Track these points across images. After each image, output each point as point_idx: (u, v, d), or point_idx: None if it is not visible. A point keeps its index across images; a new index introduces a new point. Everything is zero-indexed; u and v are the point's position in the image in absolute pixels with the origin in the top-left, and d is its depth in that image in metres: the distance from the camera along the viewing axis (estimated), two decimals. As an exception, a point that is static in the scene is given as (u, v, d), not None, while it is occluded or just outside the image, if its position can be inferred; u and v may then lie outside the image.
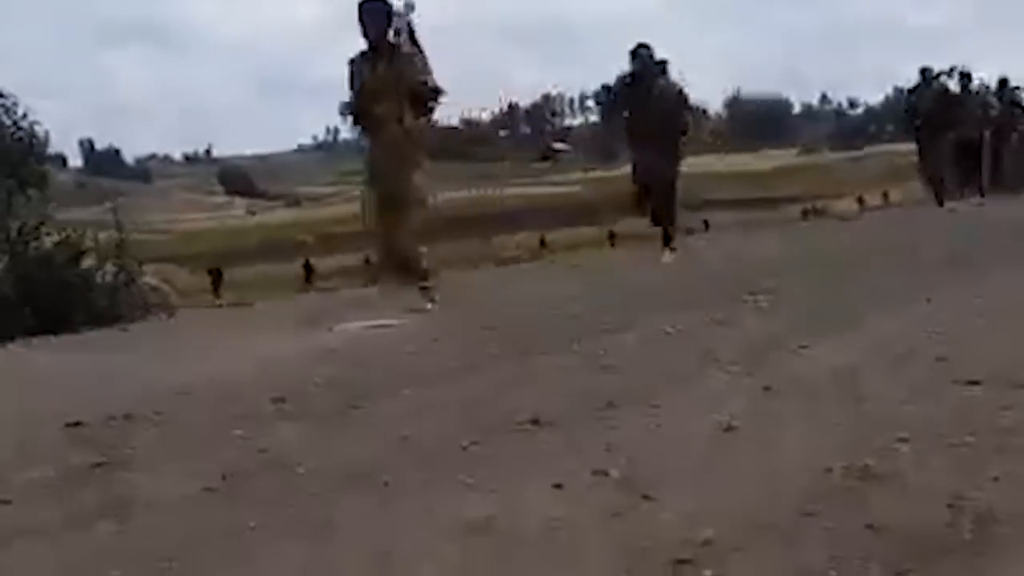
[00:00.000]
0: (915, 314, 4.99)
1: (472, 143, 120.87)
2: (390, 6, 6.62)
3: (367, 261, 13.95)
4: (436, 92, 6.73)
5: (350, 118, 7.15)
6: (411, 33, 6.64)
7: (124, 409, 3.92)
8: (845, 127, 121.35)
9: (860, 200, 28.53)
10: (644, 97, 9.67)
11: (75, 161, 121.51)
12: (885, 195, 29.85)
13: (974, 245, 8.16)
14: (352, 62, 6.75)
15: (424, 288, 6.53)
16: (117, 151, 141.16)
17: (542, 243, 30.45)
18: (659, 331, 4.90)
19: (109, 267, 17.94)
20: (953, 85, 14.42)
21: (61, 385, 4.79)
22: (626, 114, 10.35)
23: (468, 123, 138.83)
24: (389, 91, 6.56)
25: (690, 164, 10.41)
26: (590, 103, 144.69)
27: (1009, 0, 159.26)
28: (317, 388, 4.18)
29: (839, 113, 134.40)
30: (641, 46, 9.70)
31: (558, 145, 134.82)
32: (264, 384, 4.24)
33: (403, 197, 6.58)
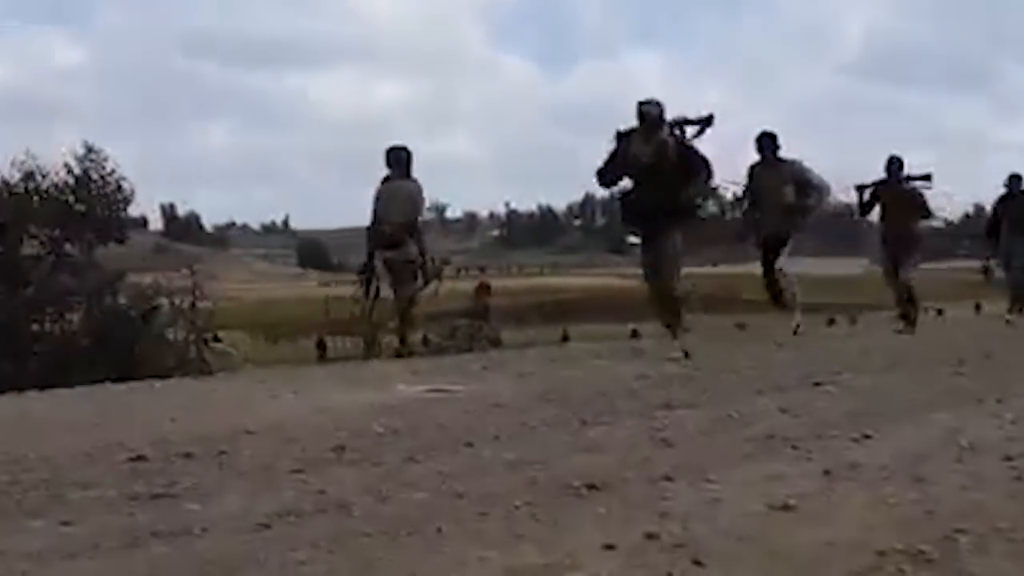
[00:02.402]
0: (985, 412, 4.90)
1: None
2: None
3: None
4: None
5: None
6: None
7: (188, 446, 4.01)
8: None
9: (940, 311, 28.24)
10: None
11: (156, 225, 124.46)
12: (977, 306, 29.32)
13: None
14: None
15: None
16: (197, 217, 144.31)
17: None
18: (722, 412, 4.88)
19: (180, 328, 18.31)
20: None
21: (127, 422, 4.88)
22: None
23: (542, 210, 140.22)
24: None
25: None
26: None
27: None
28: (377, 440, 4.23)
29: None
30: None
31: (632, 238, 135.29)
32: (325, 432, 4.31)
33: None
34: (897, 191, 11.53)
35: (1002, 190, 13.64)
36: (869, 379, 6.21)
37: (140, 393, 6.34)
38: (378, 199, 9.90)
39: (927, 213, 11.77)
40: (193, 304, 18.58)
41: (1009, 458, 3.70)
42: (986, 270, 13.88)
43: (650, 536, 2.76)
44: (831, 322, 28.19)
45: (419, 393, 5.81)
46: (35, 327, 14.51)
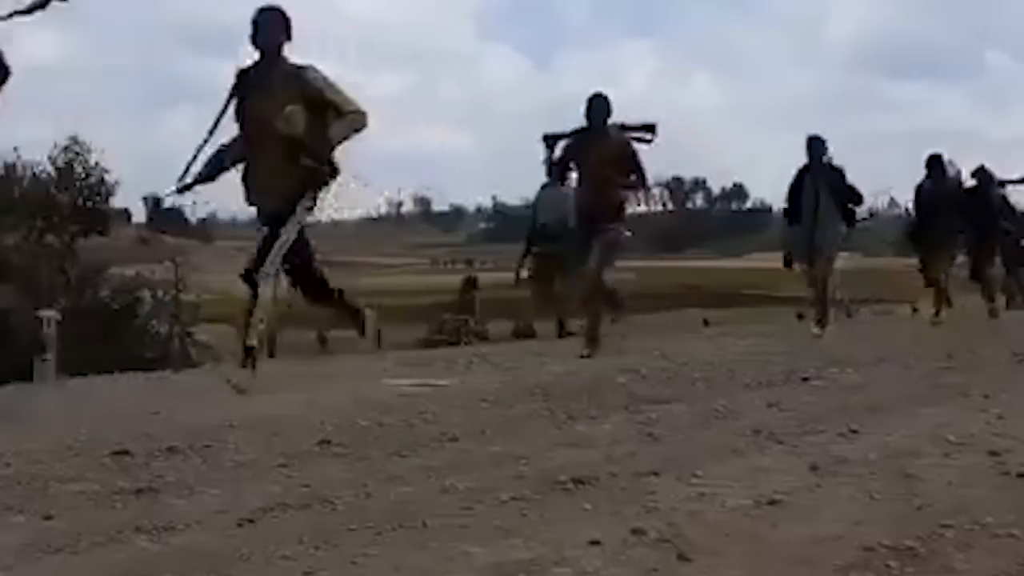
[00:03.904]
0: (971, 407, 4.90)
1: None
2: None
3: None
4: None
5: None
6: None
7: (171, 440, 3.98)
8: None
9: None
10: None
11: (139, 217, 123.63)
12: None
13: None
14: None
15: None
16: (181, 210, 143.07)
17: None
18: (709, 407, 4.87)
19: (163, 321, 18.28)
20: None
21: (110, 416, 4.85)
22: None
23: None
24: None
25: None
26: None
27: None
28: (362, 434, 4.21)
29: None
30: None
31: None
32: (310, 426, 4.29)
33: None
34: (598, 145, 8.02)
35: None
36: (856, 374, 6.22)
37: (123, 386, 6.31)
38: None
39: (640, 177, 8.16)
40: (176, 297, 18.53)
41: (995, 453, 3.70)
42: (788, 262, 10.44)
43: (636, 531, 2.74)
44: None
45: (405, 387, 5.79)
46: (15, 319, 14.42)
